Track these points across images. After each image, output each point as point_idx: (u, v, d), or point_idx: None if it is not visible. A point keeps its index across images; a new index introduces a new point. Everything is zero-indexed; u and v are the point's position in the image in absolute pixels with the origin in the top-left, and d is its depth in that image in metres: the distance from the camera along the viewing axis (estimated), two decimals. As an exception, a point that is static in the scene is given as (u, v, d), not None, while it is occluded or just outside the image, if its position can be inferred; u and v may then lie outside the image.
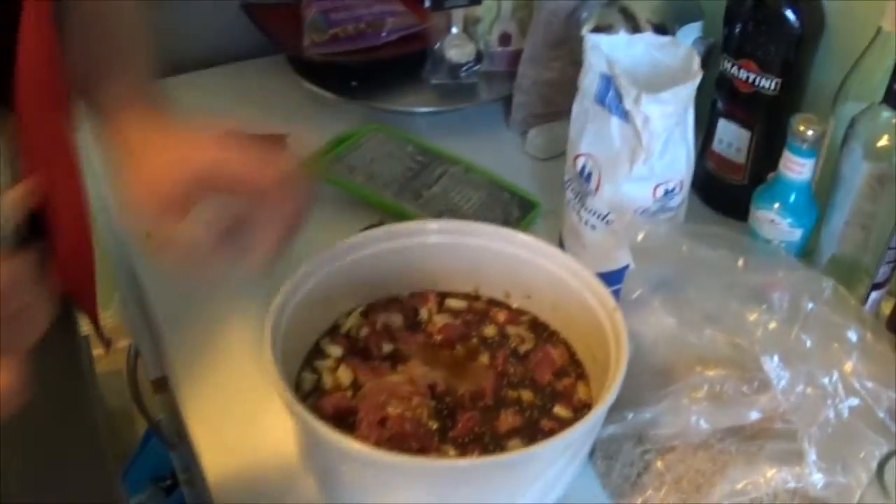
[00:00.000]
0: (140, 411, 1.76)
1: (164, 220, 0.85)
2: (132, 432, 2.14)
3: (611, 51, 1.04)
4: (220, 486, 0.98)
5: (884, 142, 1.05)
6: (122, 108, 0.94)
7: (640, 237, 0.97)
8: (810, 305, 0.91)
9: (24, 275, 0.65)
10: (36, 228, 0.89)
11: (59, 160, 0.94)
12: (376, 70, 1.59)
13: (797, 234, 1.12)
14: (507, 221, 1.28)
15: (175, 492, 2.03)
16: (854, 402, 0.88)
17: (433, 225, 1.05)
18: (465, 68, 1.55)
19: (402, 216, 1.26)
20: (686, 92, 1.02)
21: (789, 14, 1.20)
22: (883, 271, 1.11)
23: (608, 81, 1.03)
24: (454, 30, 1.53)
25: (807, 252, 1.16)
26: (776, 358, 0.88)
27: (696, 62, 1.04)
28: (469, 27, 1.56)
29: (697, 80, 1.02)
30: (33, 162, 0.90)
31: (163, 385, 1.32)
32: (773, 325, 0.90)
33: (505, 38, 1.59)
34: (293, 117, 1.52)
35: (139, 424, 2.02)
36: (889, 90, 1.03)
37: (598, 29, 1.36)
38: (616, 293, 0.98)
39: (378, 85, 1.56)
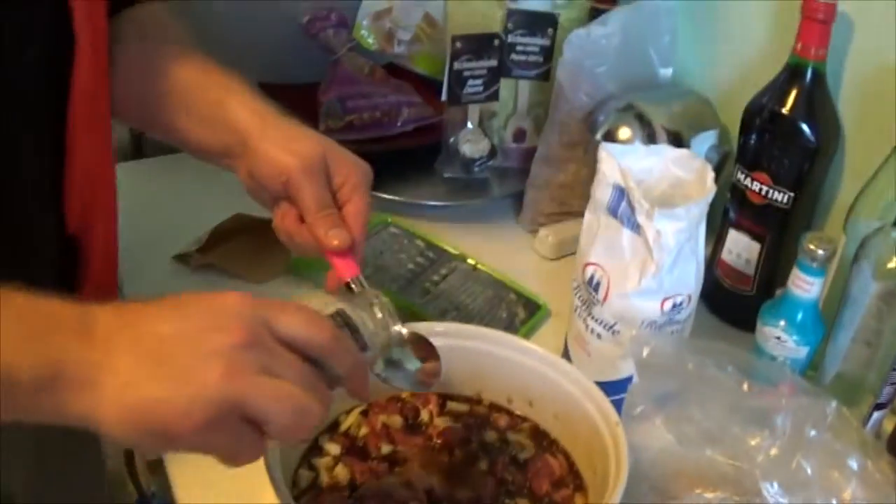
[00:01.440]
0: (133, 485, 1.75)
1: None
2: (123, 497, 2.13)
3: (625, 162, 1.05)
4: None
5: (894, 263, 1.05)
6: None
7: (645, 352, 0.97)
8: (813, 433, 0.90)
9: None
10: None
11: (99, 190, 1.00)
12: (389, 160, 1.58)
13: (803, 353, 1.12)
14: (511, 322, 1.28)
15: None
16: (851, 528, 0.87)
17: (438, 327, 1.04)
18: (478, 163, 1.55)
19: (407, 312, 1.26)
20: (699, 209, 1.02)
21: (805, 128, 1.20)
22: (887, 391, 1.11)
23: (621, 193, 1.03)
24: (469, 124, 1.54)
25: (812, 367, 1.15)
26: (776, 485, 0.88)
27: (711, 177, 1.04)
28: (484, 121, 1.56)
29: (710, 197, 1.02)
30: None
31: (158, 466, 1.32)
32: (774, 451, 0.90)
33: (520, 135, 1.60)
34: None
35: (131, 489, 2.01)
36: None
37: (611, 134, 1.37)
38: (618, 403, 0.97)
39: (391, 175, 1.56)
